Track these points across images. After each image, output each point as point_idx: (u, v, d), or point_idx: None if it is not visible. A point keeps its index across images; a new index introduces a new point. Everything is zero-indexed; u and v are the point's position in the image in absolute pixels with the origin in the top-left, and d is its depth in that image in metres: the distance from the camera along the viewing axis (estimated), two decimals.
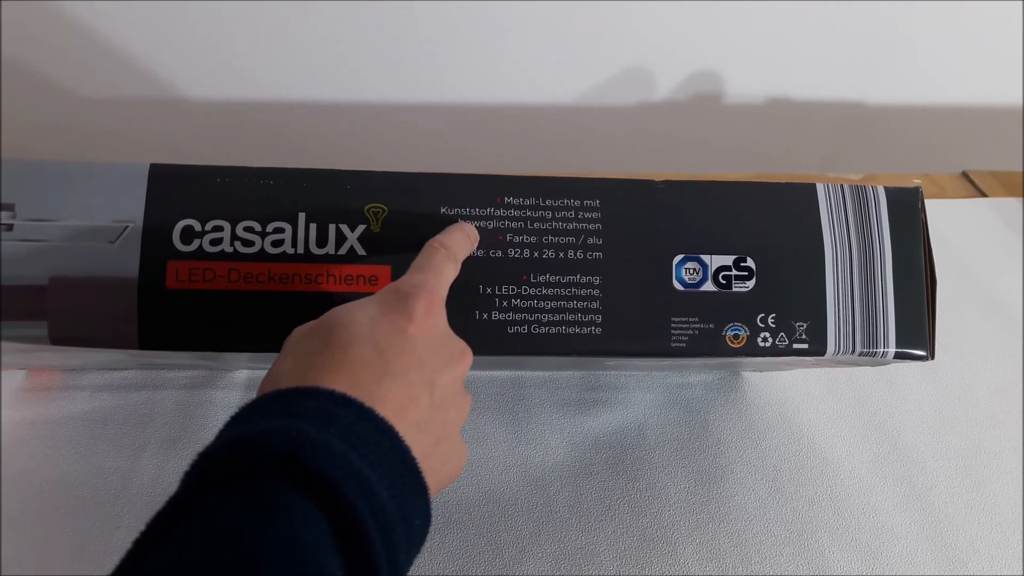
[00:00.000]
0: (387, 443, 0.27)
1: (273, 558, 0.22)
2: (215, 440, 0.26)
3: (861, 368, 0.57)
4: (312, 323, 0.31)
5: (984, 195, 0.75)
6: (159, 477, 0.45)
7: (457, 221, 0.37)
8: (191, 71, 0.75)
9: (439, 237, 0.35)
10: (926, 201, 0.41)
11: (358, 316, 0.30)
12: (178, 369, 0.51)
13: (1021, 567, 0.48)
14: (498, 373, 0.53)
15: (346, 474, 0.24)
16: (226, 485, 0.24)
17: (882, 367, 0.57)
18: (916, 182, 0.74)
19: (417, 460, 0.28)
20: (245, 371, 0.51)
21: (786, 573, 0.46)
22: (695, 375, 0.55)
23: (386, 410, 0.28)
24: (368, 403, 0.28)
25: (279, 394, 0.27)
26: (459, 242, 0.35)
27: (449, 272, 0.34)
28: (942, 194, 0.75)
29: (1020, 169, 0.80)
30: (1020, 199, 0.74)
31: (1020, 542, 0.49)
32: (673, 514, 0.48)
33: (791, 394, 0.55)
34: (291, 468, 0.24)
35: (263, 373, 0.51)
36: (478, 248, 0.37)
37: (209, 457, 0.25)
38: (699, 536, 0.47)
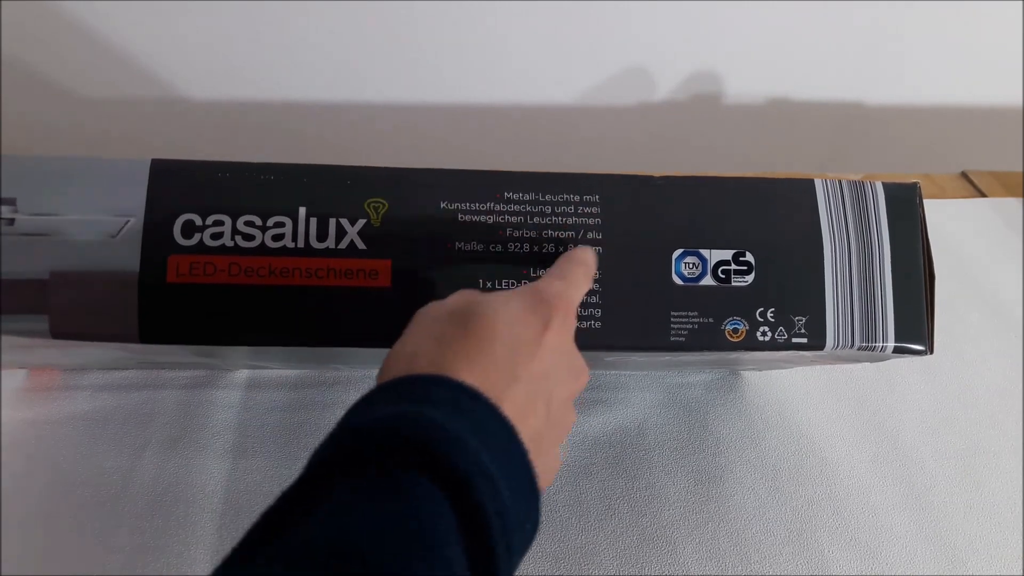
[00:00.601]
0: (512, 445, 0.27)
1: (405, 546, 0.22)
2: (348, 419, 0.26)
3: (861, 368, 0.57)
4: (450, 304, 0.31)
5: (984, 195, 0.75)
6: (160, 477, 0.46)
7: (456, 217, 0.38)
8: (191, 71, 0.75)
9: (580, 252, 0.35)
10: (926, 201, 0.41)
11: (500, 312, 0.30)
12: (179, 368, 0.51)
13: (1021, 567, 0.48)
14: None
15: (477, 471, 0.25)
16: (362, 467, 0.24)
17: (881, 366, 0.57)
18: (915, 182, 0.74)
19: (535, 468, 0.28)
20: (245, 371, 0.51)
21: (786, 573, 0.46)
22: (695, 375, 0.55)
23: (509, 412, 0.28)
24: (495, 398, 0.28)
25: (415, 379, 0.28)
26: (595, 262, 0.36)
27: (584, 288, 0.34)
28: (942, 194, 0.75)
29: (1020, 169, 0.80)
30: (1020, 199, 0.74)
31: (1020, 542, 0.49)
32: (673, 513, 0.48)
33: (790, 394, 0.55)
34: (425, 458, 0.24)
35: (263, 372, 0.51)
36: (478, 243, 0.37)
37: (342, 437, 0.25)
38: (699, 535, 0.47)
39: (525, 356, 0.29)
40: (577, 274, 0.34)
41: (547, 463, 0.31)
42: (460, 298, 0.31)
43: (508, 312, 0.30)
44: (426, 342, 0.29)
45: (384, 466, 0.24)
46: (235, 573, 0.22)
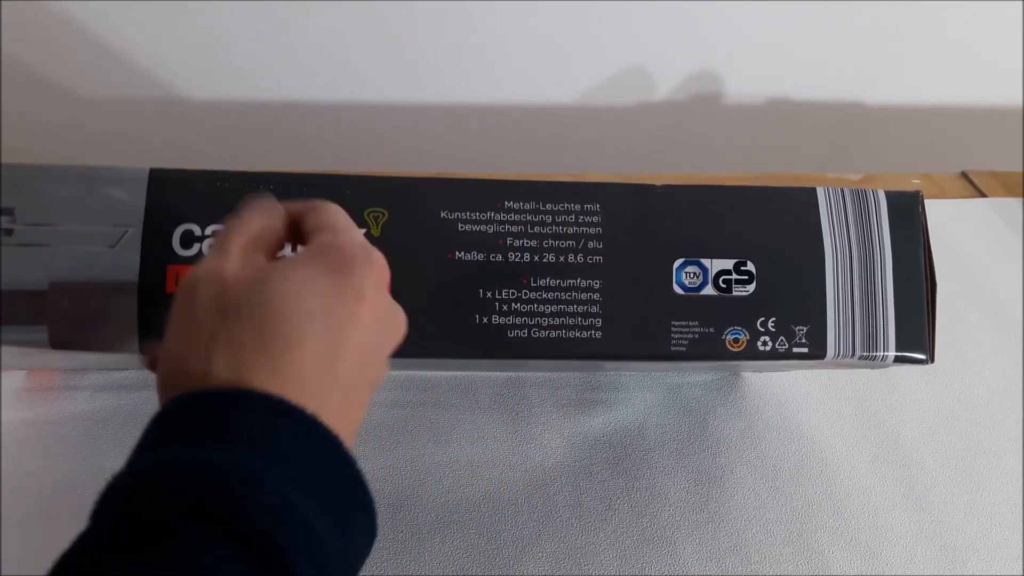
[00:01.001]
0: (333, 460, 0.24)
1: None
2: (132, 463, 0.23)
3: (861, 369, 0.57)
4: (230, 281, 0.26)
5: (984, 195, 0.75)
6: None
7: (456, 227, 0.37)
8: (191, 71, 0.75)
9: (319, 201, 0.31)
10: (926, 201, 0.41)
11: (303, 301, 0.25)
12: None
13: (1021, 567, 0.48)
14: (498, 373, 0.53)
15: (280, 519, 0.21)
16: (137, 529, 0.21)
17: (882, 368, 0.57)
18: (916, 182, 0.74)
19: (366, 482, 0.25)
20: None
21: (786, 573, 0.46)
22: (695, 375, 0.55)
23: (333, 417, 0.25)
24: (318, 409, 0.24)
25: (209, 397, 0.23)
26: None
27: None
28: (942, 194, 0.75)
29: (1020, 169, 0.80)
30: (1020, 199, 0.74)
31: (1020, 542, 0.49)
32: (673, 514, 0.48)
33: (791, 394, 0.55)
34: (220, 515, 0.21)
35: None
36: (478, 252, 0.37)
37: (125, 490, 0.22)
38: (699, 536, 0.47)
39: (346, 346, 0.25)
40: (343, 217, 0.29)
41: (391, 331, 0.29)
42: (250, 283, 0.26)
43: (313, 296, 0.25)
44: (221, 351, 0.24)
45: (172, 524, 0.21)
46: None
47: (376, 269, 0.27)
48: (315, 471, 0.23)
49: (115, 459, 0.46)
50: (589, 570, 0.45)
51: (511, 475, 0.48)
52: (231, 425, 0.23)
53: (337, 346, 0.25)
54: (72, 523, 0.43)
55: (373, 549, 0.44)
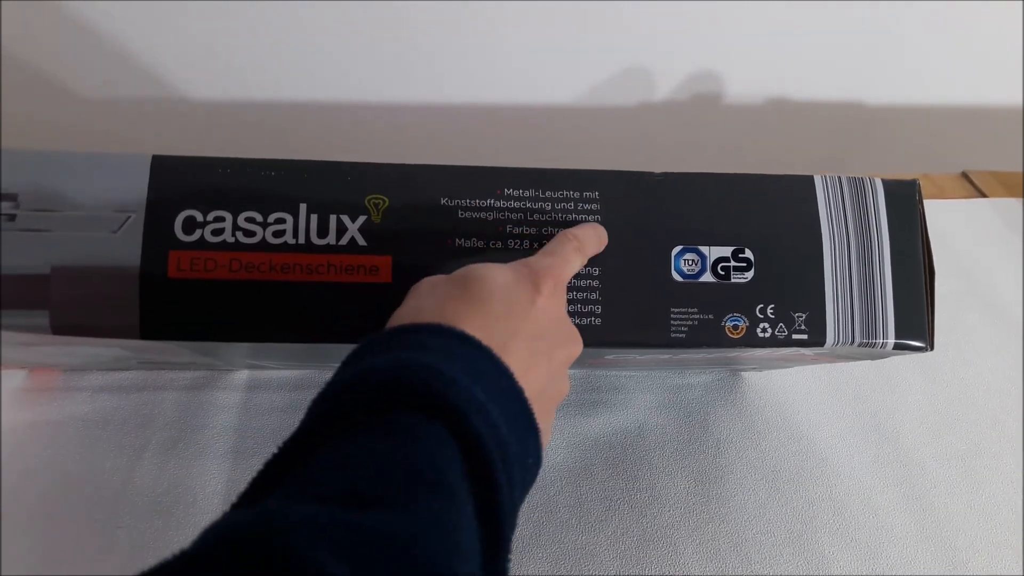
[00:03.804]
0: (506, 383, 0.28)
1: (406, 478, 0.23)
2: (344, 370, 0.27)
3: (861, 368, 0.57)
4: (445, 275, 0.33)
5: (984, 195, 0.75)
6: (159, 478, 0.46)
7: (456, 213, 0.38)
8: (191, 71, 0.75)
9: (573, 229, 0.36)
10: (926, 202, 0.41)
11: (496, 275, 0.31)
12: (179, 369, 0.51)
13: (1021, 567, 0.48)
14: None
15: (473, 406, 0.25)
16: (358, 415, 0.25)
17: (882, 367, 0.57)
18: (915, 179, 0.74)
19: (532, 406, 0.29)
20: (245, 372, 0.51)
21: (786, 573, 0.46)
22: (695, 376, 0.55)
23: (512, 364, 0.29)
24: (499, 351, 0.29)
25: (409, 328, 0.29)
26: (589, 237, 0.37)
27: (576, 263, 0.35)
28: (942, 194, 0.75)
29: (1020, 169, 0.80)
30: (1020, 199, 0.74)
31: (1020, 542, 0.49)
32: (673, 514, 0.48)
33: (791, 394, 0.55)
34: (423, 399, 0.25)
35: (263, 374, 0.51)
36: (478, 239, 0.37)
37: (342, 388, 0.26)
38: (699, 536, 0.47)
39: (520, 316, 0.31)
40: (567, 250, 0.35)
41: (546, 424, 0.32)
42: (458, 270, 0.33)
43: (502, 277, 0.32)
44: (428, 300, 0.31)
45: (379, 409, 0.25)
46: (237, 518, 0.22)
47: (554, 279, 0.33)
48: (494, 387, 0.28)
49: (115, 459, 0.46)
50: (589, 570, 0.45)
51: None
52: (428, 343, 0.28)
53: (513, 314, 0.31)
54: (72, 523, 0.43)
55: None
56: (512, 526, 0.27)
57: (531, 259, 0.34)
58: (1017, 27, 0.83)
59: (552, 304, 0.32)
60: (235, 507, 0.24)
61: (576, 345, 0.34)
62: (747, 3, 0.76)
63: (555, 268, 0.33)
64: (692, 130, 0.88)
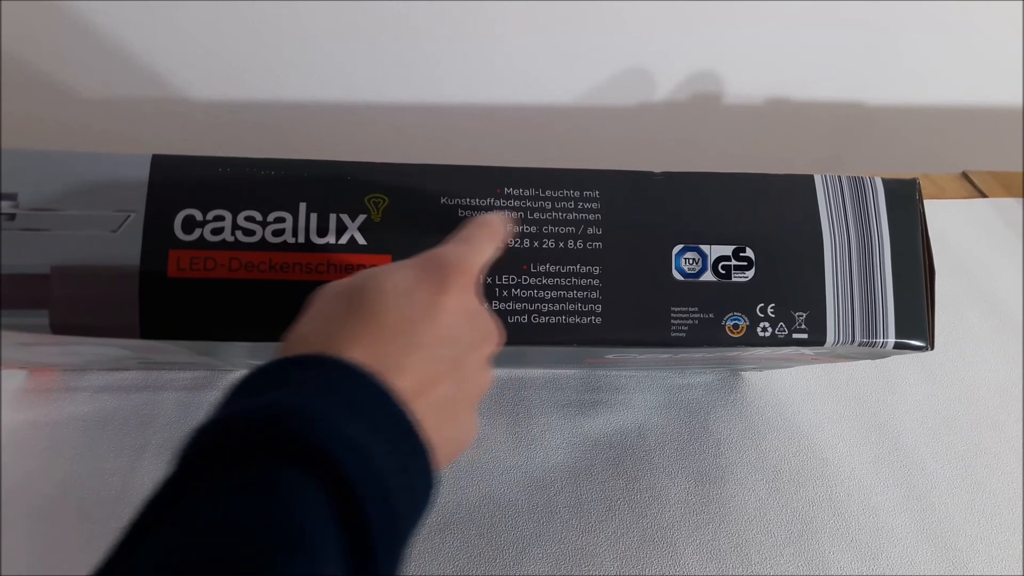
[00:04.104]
0: (388, 408, 0.27)
1: (267, 535, 0.22)
2: (212, 415, 0.26)
3: (861, 368, 0.57)
4: (342, 283, 0.30)
5: (984, 195, 0.75)
6: (159, 478, 0.45)
7: (456, 212, 0.38)
8: (191, 71, 0.75)
9: (488, 215, 0.35)
10: (926, 202, 0.41)
11: (393, 282, 0.29)
12: (179, 370, 0.51)
13: (1021, 567, 0.48)
14: (498, 373, 0.53)
15: (340, 444, 0.24)
16: (218, 466, 0.24)
17: (882, 367, 0.57)
18: (915, 178, 0.74)
19: (425, 425, 0.28)
20: (246, 371, 0.51)
21: (786, 573, 0.46)
22: (695, 376, 0.55)
23: (406, 382, 0.28)
24: (392, 373, 0.27)
25: (285, 363, 0.27)
26: (504, 225, 0.35)
27: (490, 251, 0.33)
28: (942, 194, 0.75)
29: (1020, 169, 0.80)
30: (1020, 199, 0.74)
31: (1020, 542, 0.49)
32: (673, 514, 0.48)
33: (791, 394, 0.55)
34: (286, 444, 0.24)
35: None
36: None
37: (205, 436, 0.25)
38: (699, 536, 0.47)
39: (420, 322, 0.29)
40: (481, 237, 0.33)
41: (462, 426, 0.31)
42: (356, 276, 0.31)
43: (400, 281, 0.29)
44: (316, 323, 0.29)
45: (243, 458, 0.24)
46: None
47: (465, 272, 0.30)
48: (371, 416, 0.26)
49: (115, 459, 0.46)
50: (589, 571, 0.45)
51: (511, 476, 0.48)
52: (303, 379, 0.26)
53: (412, 321, 0.29)
54: (72, 523, 0.43)
55: None
56: (396, 559, 0.25)
57: (440, 250, 0.31)
58: (1017, 27, 0.83)
59: (462, 300, 0.30)
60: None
61: (493, 340, 0.32)
62: (747, 3, 0.76)
63: (466, 259, 0.31)
64: (692, 130, 0.88)
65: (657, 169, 0.40)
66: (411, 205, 0.37)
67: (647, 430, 0.52)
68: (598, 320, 0.38)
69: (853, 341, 0.39)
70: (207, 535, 0.22)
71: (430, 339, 0.29)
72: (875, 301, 0.39)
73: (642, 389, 0.54)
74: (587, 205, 0.39)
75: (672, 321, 0.38)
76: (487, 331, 0.32)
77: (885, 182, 0.41)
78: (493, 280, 0.37)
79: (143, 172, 0.36)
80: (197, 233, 0.36)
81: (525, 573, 0.44)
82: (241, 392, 0.27)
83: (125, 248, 0.35)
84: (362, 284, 0.30)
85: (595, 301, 0.38)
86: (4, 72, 0.72)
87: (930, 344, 0.40)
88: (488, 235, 0.33)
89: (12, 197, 0.35)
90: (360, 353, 0.27)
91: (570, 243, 0.38)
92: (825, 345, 0.39)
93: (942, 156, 0.90)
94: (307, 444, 0.24)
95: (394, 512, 0.25)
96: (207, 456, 0.24)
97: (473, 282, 0.31)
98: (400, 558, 0.26)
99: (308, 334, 0.29)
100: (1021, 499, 0.51)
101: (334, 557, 0.23)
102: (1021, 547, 0.49)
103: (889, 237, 0.40)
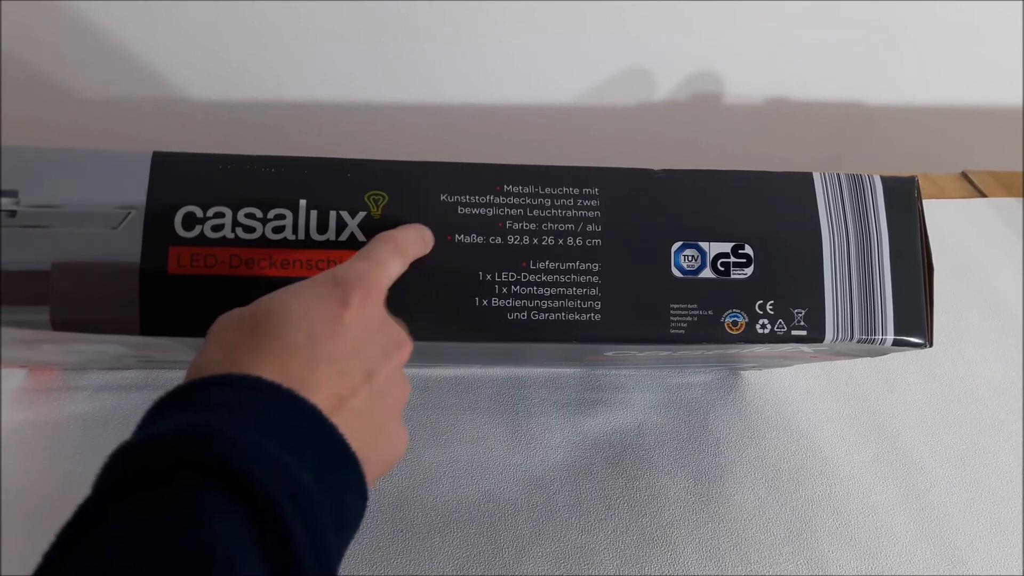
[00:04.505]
0: (306, 421, 0.27)
1: (181, 558, 0.21)
2: (128, 439, 0.25)
3: (860, 368, 0.57)
4: (240, 310, 0.30)
5: (983, 195, 0.75)
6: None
7: (456, 210, 0.38)
8: (191, 71, 0.75)
9: (391, 231, 0.35)
10: (925, 202, 0.41)
11: (291, 303, 0.29)
12: (179, 368, 0.51)
13: (1021, 567, 0.48)
14: (498, 373, 0.54)
15: (257, 461, 0.24)
16: (134, 489, 0.23)
17: (881, 366, 0.57)
18: (913, 176, 0.74)
19: (348, 439, 0.27)
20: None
21: (785, 573, 0.46)
22: (694, 375, 0.55)
23: (319, 397, 0.27)
24: (301, 390, 0.27)
25: (191, 386, 0.27)
26: (411, 240, 0.35)
27: (393, 266, 0.33)
28: (941, 194, 0.75)
29: (1020, 169, 0.80)
30: (1020, 199, 0.74)
31: (1020, 542, 0.49)
32: (673, 513, 0.48)
33: (791, 394, 0.55)
34: (199, 464, 0.23)
35: None
36: (477, 235, 0.37)
37: (117, 460, 0.24)
38: (699, 535, 0.47)
39: (325, 338, 0.29)
40: (382, 252, 0.33)
41: (388, 437, 0.31)
42: (254, 303, 0.31)
43: (300, 300, 0.30)
44: (213, 351, 0.29)
45: (156, 481, 0.23)
46: None
47: (365, 287, 0.31)
48: (289, 430, 0.26)
49: None
50: (589, 570, 0.45)
51: (511, 475, 0.48)
52: (213, 400, 0.26)
53: (316, 337, 0.29)
54: None
55: (373, 549, 0.44)
56: (325, 573, 0.25)
57: (340, 267, 0.32)
58: (1017, 27, 0.83)
59: (364, 315, 0.30)
60: None
61: (402, 349, 0.32)
62: (747, 3, 0.76)
63: (367, 275, 0.31)
64: (692, 130, 0.88)
65: (656, 168, 0.40)
66: (411, 202, 0.37)
67: (646, 429, 0.52)
68: (597, 317, 0.38)
69: (852, 338, 0.39)
70: (121, 564, 0.21)
71: (335, 353, 0.29)
72: (874, 298, 0.40)
73: (641, 388, 0.54)
74: (587, 202, 0.39)
75: (671, 318, 0.38)
76: (395, 342, 0.32)
77: (884, 180, 0.41)
78: (492, 277, 0.38)
79: (144, 169, 0.36)
80: (197, 230, 0.36)
81: (525, 572, 0.44)
82: (151, 418, 0.26)
83: (125, 245, 0.35)
84: (261, 308, 0.29)
85: (594, 298, 0.38)
86: (4, 72, 0.72)
87: (929, 341, 0.40)
88: (390, 250, 0.33)
89: (13, 194, 0.35)
90: (268, 372, 0.27)
91: (570, 240, 0.38)
92: (824, 342, 0.40)
93: (942, 156, 0.90)
94: (222, 464, 0.23)
95: (319, 527, 0.25)
96: (121, 482, 0.24)
97: (376, 295, 0.31)
98: (333, 572, 0.26)
99: (206, 364, 0.28)
100: (1021, 498, 0.51)
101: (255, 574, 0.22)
102: (1021, 546, 0.49)
103: (888, 235, 0.40)
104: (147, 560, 0.21)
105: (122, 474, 0.24)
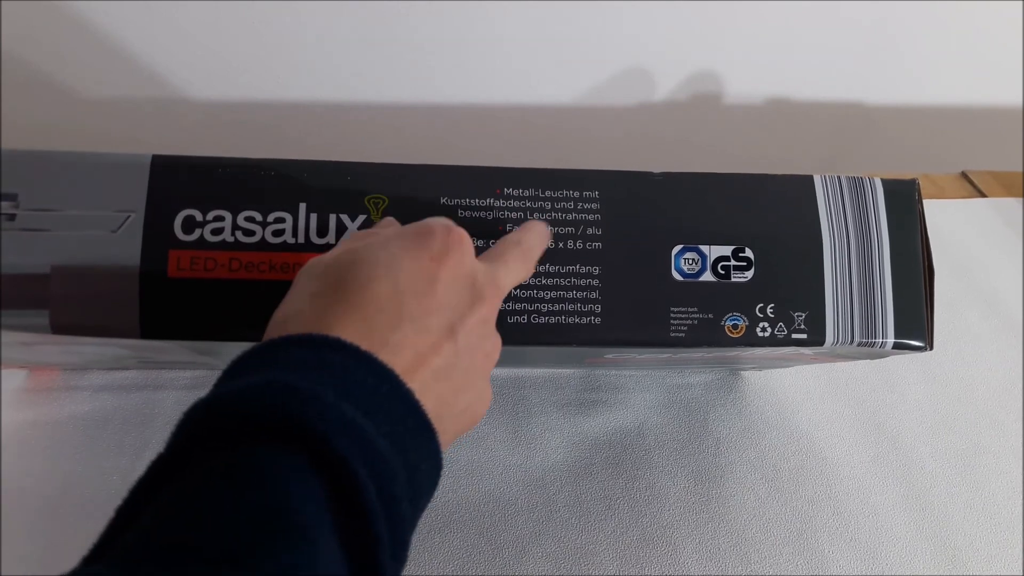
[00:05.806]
0: (386, 387, 0.26)
1: (253, 519, 0.21)
2: (206, 396, 0.25)
3: (860, 368, 0.57)
4: (329, 257, 0.30)
5: (983, 195, 0.75)
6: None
7: (456, 213, 0.38)
8: (191, 71, 0.75)
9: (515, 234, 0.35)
10: (925, 202, 0.41)
11: (381, 254, 0.29)
12: (179, 369, 0.51)
13: (1021, 567, 0.48)
14: (498, 372, 0.53)
15: (336, 425, 0.23)
16: (210, 447, 0.23)
17: (881, 366, 0.57)
18: (914, 178, 0.74)
19: (423, 403, 0.27)
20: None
21: (785, 573, 0.46)
22: (695, 375, 0.55)
23: (402, 357, 0.27)
24: (382, 351, 0.27)
25: (272, 344, 0.26)
26: (537, 238, 0.35)
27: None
28: (941, 194, 0.75)
29: (1020, 169, 0.80)
30: (1019, 199, 0.74)
31: (1020, 542, 0.49)
32: (673, 514, 0.48)
33: (790, 394, 0.55)
34: (278, 424, 0.23)
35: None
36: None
37: (195, 417, 0.24)
38: (699, 536, 0.47)
39: (412, 294, 0.28)
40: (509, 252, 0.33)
41: (471, 397, 0.30)
42: (340, 248, 0.30)
43: (387, 251, 0.29)
44: (301, 302, 0.29)
45: (234, 440, 0.23)
46: None
47: (455, 239, 0.30)
48: (369, 395, 0.25)
49: (115, 459, 0.46)
50: (589, 570, 0.45)
51: (511, 475, 0.48)
52: (293, 358, 0.25)
53: (403, 292, 0.28)
54: (72, 523, 0.43)
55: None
56: (402, 545, 0.25)
57: (430, 219, 0.31)
58: (1017, 27, 0.83)
59: (450, 265, 0.29)
60: (85, 560, 0.22)
61: (493, 299, 0.31)
62: (747, 3, 0.76)
63: (454, 228, 0.30)
64: (692, 130, 0.88)
65: (657, 169, 0.40)
66: (411, 206, 0.37)
67: (646, 429, 0.52)
68: (597, 320, 0.38)
69: (852, 341, 0.39)
70: (195, 519, 0.21)
71: (420, 310, 0.28)
72: (874, 301, 0.40)
73: (641, 388, 0.54)
74: (587, 205, 0.39)
75: (671, 321, 0.38)
76: (479, 291, 0.30)
77: (884, 182, 0.41)
78: None
79: (143, 172, 0.36)
80: (197, 233, 0.36)
81: (524, 572, 0.44)
82: (231, 374, 0.26)
83: (125, 248, 0.35)
84: (351, 257, 0.29)
85: (595, 301, 0.38)
86: (4, 72, 0.72)
87: (929, 344, 0.40)
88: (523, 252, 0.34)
89: (12, 197, 0.35)
90: (350, 330, 0.27)
91: (570, 243, 0.38)
92: (824, 345, 0.40)
93: (942, 156, 0.90)
94: (300, 426, 0.23)
95: (395, 496, 0.24)
96: (197, 437, 0.24)
97: (463, 245, 0.30)
98: (406, 543, 0.25)
99: (290, 317, 0.28)
100: (1021, 498, 0.51)
101: (328, 545, 0.22)
102: (1021, 546, 0.49)
103: (888, 238, 0.40)
104: (224, 520, 0.21)
105: (200, 429, 0.24)
